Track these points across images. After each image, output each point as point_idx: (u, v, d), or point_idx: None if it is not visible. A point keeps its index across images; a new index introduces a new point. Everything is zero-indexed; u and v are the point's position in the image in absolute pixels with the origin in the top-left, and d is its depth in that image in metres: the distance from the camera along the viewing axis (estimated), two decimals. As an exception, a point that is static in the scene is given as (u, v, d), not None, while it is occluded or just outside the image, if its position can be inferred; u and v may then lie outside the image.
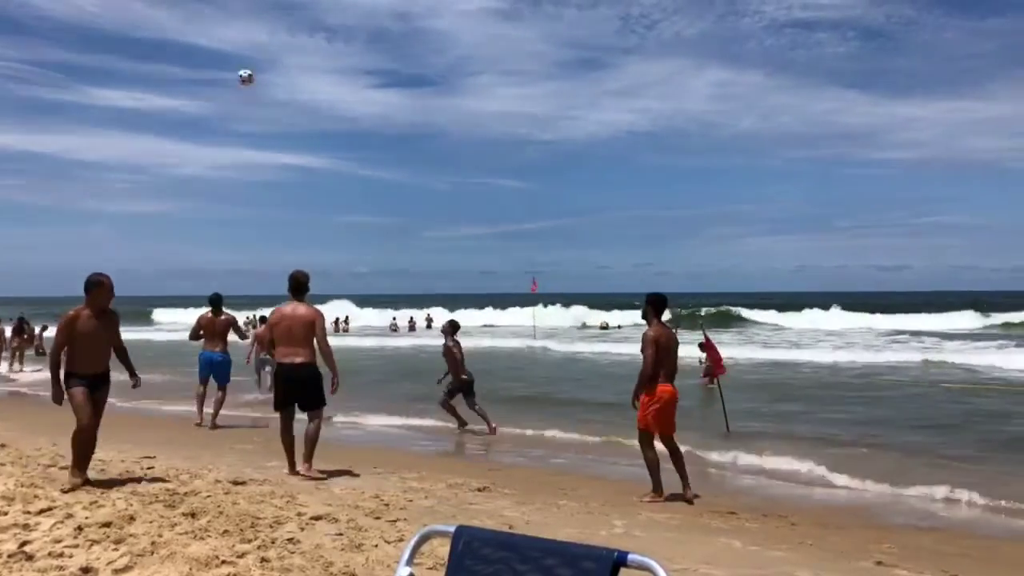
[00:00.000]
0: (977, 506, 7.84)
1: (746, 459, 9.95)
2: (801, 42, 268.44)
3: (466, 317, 46.82)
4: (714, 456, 10.17)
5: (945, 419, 13.05)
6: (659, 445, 7.82)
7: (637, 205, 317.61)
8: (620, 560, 1.84)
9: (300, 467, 7.95)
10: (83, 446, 6.70)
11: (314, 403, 8.02)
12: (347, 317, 49.09)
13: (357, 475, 8.09)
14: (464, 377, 12.00)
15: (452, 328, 12.41)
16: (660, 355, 7.62)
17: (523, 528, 6.07)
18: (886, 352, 26.62)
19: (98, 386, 6.82)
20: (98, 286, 6.76)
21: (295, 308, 7.98)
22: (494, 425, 11.82)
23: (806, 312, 51.80)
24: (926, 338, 35.04)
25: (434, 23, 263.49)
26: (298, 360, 7.86)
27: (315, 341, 7.91)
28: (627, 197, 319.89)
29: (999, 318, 47.96)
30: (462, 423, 12.12)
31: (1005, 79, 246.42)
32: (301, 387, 7.92)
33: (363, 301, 65.15)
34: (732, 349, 24.68)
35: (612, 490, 8.15)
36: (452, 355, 12.05)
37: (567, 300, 62.06)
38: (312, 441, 7.99)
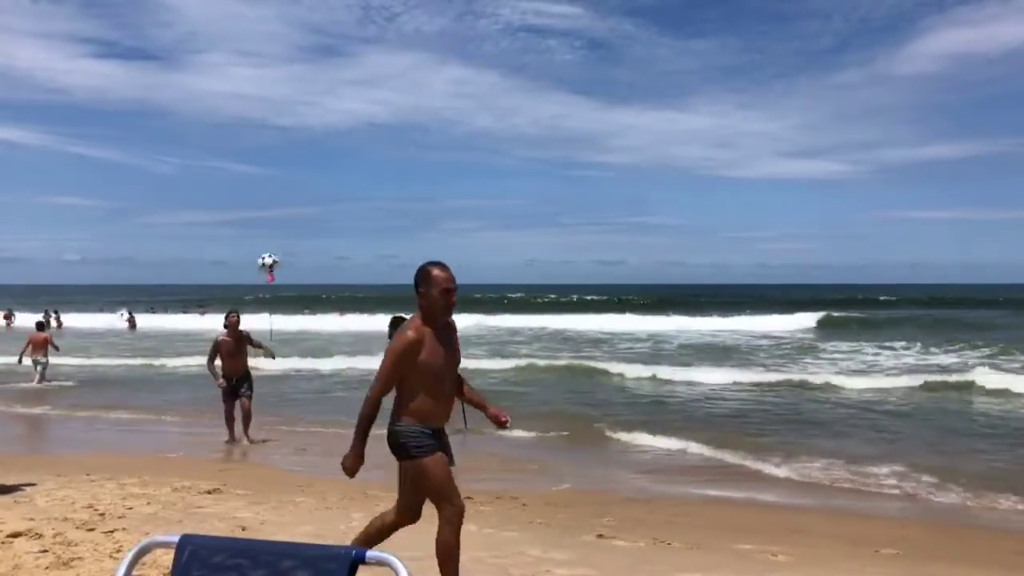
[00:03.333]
0: (676, 479, 8.73)
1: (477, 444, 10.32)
2: (533, 47, 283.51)
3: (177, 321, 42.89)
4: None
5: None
6: None
7: (378, 196, 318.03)
8: (358, 558, 1.83)
9: None
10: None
11: None
12: (56, 311, 44.05)
13: (67, 483, 7.32)
14: None
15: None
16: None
17: (258, 529, 5.85)
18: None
19: None
20: None
21: None
22: None
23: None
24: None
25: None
26: None
27: None
28: (367, 188, 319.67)
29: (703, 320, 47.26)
30: None
31: (703, 95, 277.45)
32: None
33: (93, 292, 57.73)
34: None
35: (350, 484, 8.05)
36: None
37: (303, 291, 60.04)
38: None
